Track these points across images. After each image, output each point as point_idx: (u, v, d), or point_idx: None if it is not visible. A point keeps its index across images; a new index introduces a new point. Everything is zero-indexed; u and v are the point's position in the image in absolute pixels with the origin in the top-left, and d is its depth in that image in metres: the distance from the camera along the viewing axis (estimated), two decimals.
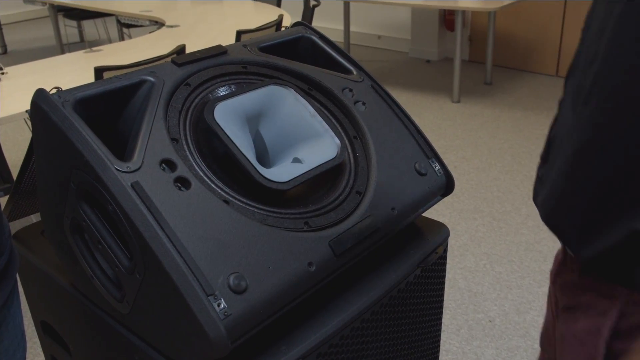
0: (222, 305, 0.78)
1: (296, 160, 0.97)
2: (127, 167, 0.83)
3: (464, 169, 3.56)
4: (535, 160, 3.10)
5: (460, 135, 4.04)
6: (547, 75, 5.30)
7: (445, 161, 3.66)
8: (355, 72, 1.17)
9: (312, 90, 1.10)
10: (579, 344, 0.83)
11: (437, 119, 4.32)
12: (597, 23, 0.80)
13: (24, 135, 4.07)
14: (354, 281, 1.02)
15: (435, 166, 1.12)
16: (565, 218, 0.83)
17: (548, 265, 2.75)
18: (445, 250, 1.20)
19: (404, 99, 4.71)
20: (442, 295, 1.25)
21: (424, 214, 1.16)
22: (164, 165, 0.86)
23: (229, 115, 0.95)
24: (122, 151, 0.91)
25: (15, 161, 3.77)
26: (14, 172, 2.64)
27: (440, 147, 3.85)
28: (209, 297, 0.77)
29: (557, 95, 4.84)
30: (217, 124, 0.93)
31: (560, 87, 5.09)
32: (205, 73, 1.03)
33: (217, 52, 1.08)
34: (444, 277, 1.23)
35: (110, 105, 0.96)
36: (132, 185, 0.81)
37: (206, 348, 0.78)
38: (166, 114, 0.94)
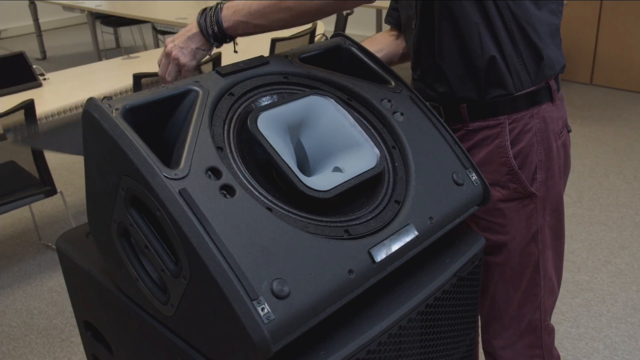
0: (265, 310, 0.80)
1: (336, 169, 0.99)
2: (175, 174, 0.86)
3: None
4: (574, 169, 3.07)
5: None
6: (581, 84, 5.25)
7: None
8: (393, 83, 1.19)
9: (351, 101, 1.12)
10: (490, 162, 1.30)
11: None
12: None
13: None
14: (392, 288, 1.04)
15: (472, 176, 1.13)
16: (458, 90, 1.29)
17: (582, 276, 2.73)
18: (481, 259, 1.21)
19: None
20: (477, 303, 1.26)
21: (461, 225, 1.18)
22: (209, 172, 0.89)
23: (271, 124, 0.98)
24: (168, 158, 0.94)
25: (54, 164, 3.86)
26: (54, 174, 2.71)
27: None
28: (253, 302, 0.80)
29: (592, 104, 4.80)
30: (261, 133, 0.95)
31: (595, 95, 5.03)
32: (248, 83, 1.06)
33: (260, 62, 1.10)
34: (479, 285, 1.24)
35: (158, 114, 0.99)
36: (180, 192, 0.84)
37: (249, 351, 0.81)
38: (211, 123, 0.97)
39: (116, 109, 0.93)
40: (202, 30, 1.16)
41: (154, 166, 0.85)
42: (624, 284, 2.67)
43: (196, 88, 1.01)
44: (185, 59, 1.18)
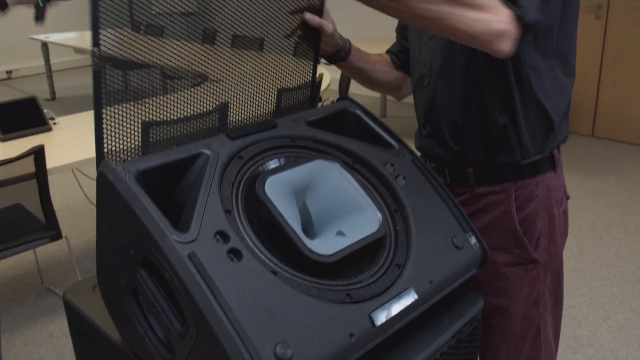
0: None
1: (340, 233, 1.03)
2: (185, 237, 0.89)
3: None
4: (575, 223, 3.08)
5: None
6: (583, 136, 5.31)
7: None
8: (397, 147, 1.23)
9: (355, 164, 1.16)
10: (495, 227, 1.34)
11: None
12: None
13: (68, 181, 4.22)
14: (392, 350, 1.06)
15: (471, 240, 1.16)
16: (468, 153, 1.33)
17: (582, 331, 2.73)
18: (479, 321, 1.23)
19: None
20: None
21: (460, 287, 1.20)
22: (218, 236, 0.92)
23: (278, 188, 1.02)
24: (178, 218, 0.98)
25: (59, 206, 3.90)
26: (59, 217, 2.74)
27: None
28: None
29: (593, 156, 4.85)
30: (268, 197, 0.99)
31: (596, 147, 5.09)
32: (256, 146, 1.10)
33: (268, 126, 1.15)
34: (477, 347, 1.26)
35: (170, 175, 1.03)
36: (189, 255, 0.87)
37: None
38: (220, 186, 1.00)
39: (130, 172, 0.97)
40: None
41: (165, 230, 0.89)
42: (625, 340, 2.67)
43: (206, 151, 1.05)
44: None
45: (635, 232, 3.57)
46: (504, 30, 1.06)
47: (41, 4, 1.26)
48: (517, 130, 1.27)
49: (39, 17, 1.29)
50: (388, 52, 1.60)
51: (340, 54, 1.43)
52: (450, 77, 1.30)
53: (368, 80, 1.55)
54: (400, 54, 1.57)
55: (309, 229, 1.07)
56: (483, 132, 1.29)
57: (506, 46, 1.08)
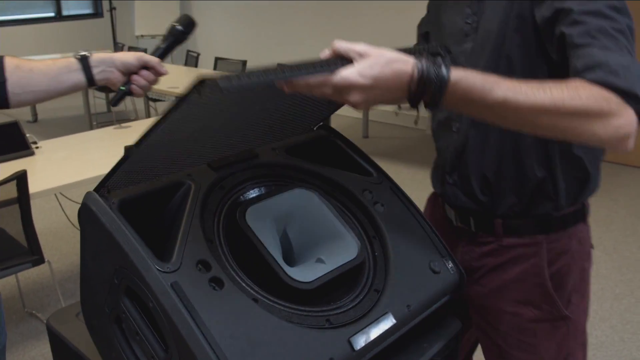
0: None
1: (319, 260, 1.06)
2: (167, 267, 0.92)
3: None
4: None
5: None
6: None
7: None
8: (375, 175, 1.26)
9: (334, 192, 1.19)
10: (523, 281, 1.25)
11: None
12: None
13: (50, 204, 4.20)
14: None
15: (448, 264, 1.20)
16: (498, 203, 1.24)
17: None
18: (457, 343, 1.26)
19: (420, 176, 4.81)
20: None
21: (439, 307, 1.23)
22: (200, 265, 0.94)
23: (259, 217, 1.05)
24: (161, 246, 1.00)
25: (41, 229, 3.88)
26: (41, 240, 2.74)
27: None
28: None
29: None
30: (249, 226, 1.02)
31: None
32: (237, 176, 1.13)
33: (249, 156, 1.18)
34: None
35: (152, 205, 1.05)
36: (171, 285, 0.89)
37: None
38: (202, 216, 1.03)
39: (113, 203, 0.99)
40: (421, 76, 0.90)
41: (148, 260, 0.91)
42: (605, 357, 2.71)
43: (188, 181, 1.07)
44: (359, 105, 0.93)
45: (614, 250, 3.63)
46: (631, 132, 0.95)
47: (123, 88, 1.30)
48: (554, 183, 1.19)
49: (115, 102, 1.33)
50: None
51: None
52: (484, 125, 1.17)
53: None
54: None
55: (290, 257, 1.09)
56: (517, 185, 1.20)
57: (631, 144, 0.96)
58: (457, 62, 1.16)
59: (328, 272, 1.03)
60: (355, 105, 0.92)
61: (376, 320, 1.04)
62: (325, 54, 0.95)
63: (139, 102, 6.68)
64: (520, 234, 1.24)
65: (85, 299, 1.11)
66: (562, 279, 1.24)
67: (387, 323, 1.05)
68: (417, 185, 4.60)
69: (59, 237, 3.93)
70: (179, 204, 1.05)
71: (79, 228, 1.04)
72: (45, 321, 2.95)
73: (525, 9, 1.08)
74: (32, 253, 2.70)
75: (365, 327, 1.02)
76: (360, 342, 1.00)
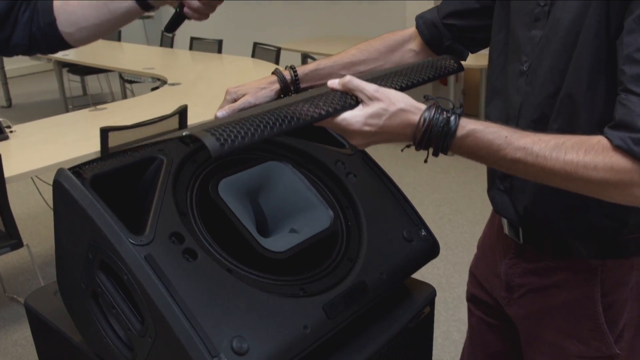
0: None
1: (293, 230, 1.07)
2: (141, 240, 0.92)
3: (457, 221, 3.66)
4: None
5: (455, 188, 4.15)
6: None
7: (439, 214, 3.76)
8: (347, 146, 1.27)
9: (307, 164, 1.21)
10: (569, 310, 1.09)
11: (431, 172, 4.44)
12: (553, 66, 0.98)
13: (28, 189, 4.17)
14: (347, 341, 1.10)
15: (421, 232, 1.22)
16: (551, 219, 1.07)
17: None
18: (432, 309, 1.28)
19: (399, 152, 4.83)
20: (431, 351, 1.33)
21: (416, 274, 1.25)
22: (173, 238, 0.95)
23: (231, 189, 1.05)
24: (135, 221, 1.01)
25: (19, 214, 3.86)
26: (20, 225, 2.73)
27: (435, 200, 3.95)
28: (214, 359, 0.86)
29: None
30: (221, 198, 1.03)
31: None
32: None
33: None
34: (431, 334, 1.32)
35: (124, 180, 1.06)
36: (145, 257, 0.90)
37: None
38: (174, 190, 1.04)
39: (85, 179, 0.99)
40: (426, 128, 0.88)
41: (121, 234, 0.92)
42: None
43: (160, 156, 1.08)
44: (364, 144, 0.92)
45: None
46: None
47: (177, 10, 1.19)
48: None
49: (170, 27, 1.23)
50: (420, 17, 1.25)
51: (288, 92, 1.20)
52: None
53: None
54: (447, 28, 1.20)
55: (263, 228, 1.11)
56: (577, 199, 0.97)
57: None
58: (522, 50, 1.04)
59: (301, 242, 1.04)
60: (356, 145, 0.92)
61: (350, 288, 1.05)
62: (334, 84, 0.92)
63: (115, 84, 6.63)
64: (571, 254, 1.07)
65: (62, 276, 1.12)
66: (616, 313, 1.07)
67: (361, 291, 1.07)
68: (395, 160, 4.63)
69: (38, 222, 3.91)
70: (151, 178, 1.06)
71: None
72: None
73: (611, 10, 0.89)
74: (10, 237, 2.69)
75: (339, 295, 1.03)
76: (335, 309, 1.02)
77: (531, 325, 1.16)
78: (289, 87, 1.18)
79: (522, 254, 1.14)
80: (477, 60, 4.69)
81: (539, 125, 1.00)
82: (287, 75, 1.18)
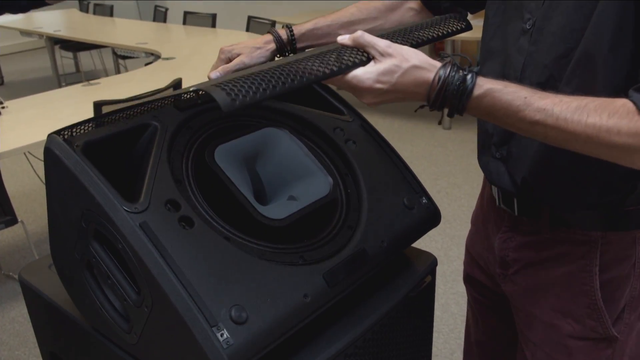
0: (224, 336, 0.84)
1: (291, 197, 1.04)
2: (135, 208, 0.90)
3: (455, 195, 3.64)
4: None
5: (452, 161, 4.12)
6: None
7: (437, 187, 3.74)
8: (346, 112, 1.24)
9: (305, 130, 1.18)
10: (565, 286, 1.03)
11: (428, 145, 4.41)
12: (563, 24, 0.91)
13: (22, 167, 4.14)
14: (347, 310, 1.08)
15: (422, 200, 1.19)
16: (551, 189, 1.00)
17: None
18: (434, 278, 1.26)
19: (396, 126, 4.81)
20: (432, 320, 1.31)
21: (415, 244, 1.23)
22: (169, 205, 0.93)
23: (228, 156, 1.03)
24: (129, 190, 0.98)
25: (13, 192, 3.82)
26: (14, 203, 2.70)
27: (432, 174, 3.93)
28: (213, 328, 0.84)
29: None
30: (218, 165, 1.00)
31: None
32: (205, 116, 1.10)
33: None
34: (432, 303, 1.30)
35: (118, 147, 1.03)
36: (140, 225, 0.87)
37: None
38: (170, 156, 1.01)
39: (77, 145, 0.96)
40: (441, 87, 0.84)
41: (115, 201, 0.89)
42: None
43: (155, 123, 1.05)
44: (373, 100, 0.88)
45: None
46: None
47: None
48: (629, 171, 0.88)
49: None
50: None
51: (284, 53, 1.18)
52: None
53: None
54: None
55: (261, 196, 1.08)
56: (578, 165, 0.95)
57: None
58: (525, 7, 0.98)
59: (300, 209, 1.02)
60: (367, 104, 0.88)
61: (350, 256, 1.03)
62: (344, 40, 0.88)
63: (108, 60, 6.55)
64: (569, 226, 1.01)
65: (55, 247, 1.09)
66: (615, 290, 1.02)
67: (361, 259, 1.05)
68: (392, 134, 4.61)
69: (32, 199, 3.88)
70: (145, 145, 1.02)
71: None
72: None
73: None
74: (5, 213, 2.66)
75: (339, 263, 1.01)
76: (335, 278, 1.00)
77: (526, 303, 1.11)
78: (285, 47, 1.15)
79: (517, 226, 1.09)
80: (474, 32, 4.66)
81: (546, 88, 0.92)
82: (284, 34, 1.15)
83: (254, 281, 0.91)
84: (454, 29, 1.05)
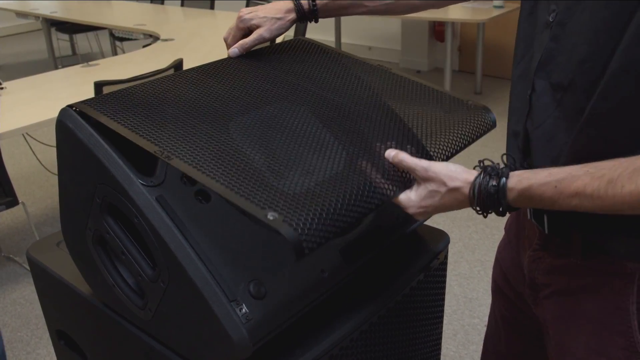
0: (243, 310, 0.83)
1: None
2: (151, 181, 0.88)
3: None
4: None
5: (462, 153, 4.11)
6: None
7: None
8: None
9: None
10: (599, 322, 0.91)
11: None
12: (587, 23, 0.81)
13: (20, 149, 4.11)
14: (362, 287, 1.07)
15: None
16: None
17: None
18: (446, 257, 1.26)
19: None
20: (443, 298, 1.31)
21: (425, 222, 1.22)
22: (184, 179, 0.91)
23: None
24: (142, 162, 0.96)
25: (13, 175, 3.80)
26: (14, 185, 2.67)
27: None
28: (232, 303, 0.83)
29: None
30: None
31: None
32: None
33: None
34: (444, 281, 1.29)
35: None
36: (156, 198, 0.86)
37: (229, 351, 0.83)
38: None
39: (90, 118, 0.94)
40: (478, 200, 0.85)
41: (131, 174, 0.87)
42: None
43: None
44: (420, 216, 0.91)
45: None
46: None
47: None
48: None
49: None
50: None
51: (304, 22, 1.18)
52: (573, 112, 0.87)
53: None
54: None
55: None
56: None
57: None
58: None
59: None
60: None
61: (366, 231, 1.02)
62: (389, 155, 0.91)
63: (105, 42, 6.49)
64: (604, 252, 0.90)
65: (67, 223, 1.07)
66: None
67: (377, 234, 1.04)
68: None
69: (32, 182, 3.86)
70: None
71: (51, 171, 0.99)
72: (23, 265, 2.91)
73: None
74: (6, 195, 2.64)
75: (356, 238, 1.00)
76: (352, 253, 0.99)
77: (559, 333, 0.99)
78: (306, 18, 1.14)
79: (547, 245, 0.98)
80: (473, 14, 4.63)
81: (568, 93, 0.85)
82: (305, 5, 1.14)
83: (272, 256, 0.90)
84: (484, 129, 1.09)
